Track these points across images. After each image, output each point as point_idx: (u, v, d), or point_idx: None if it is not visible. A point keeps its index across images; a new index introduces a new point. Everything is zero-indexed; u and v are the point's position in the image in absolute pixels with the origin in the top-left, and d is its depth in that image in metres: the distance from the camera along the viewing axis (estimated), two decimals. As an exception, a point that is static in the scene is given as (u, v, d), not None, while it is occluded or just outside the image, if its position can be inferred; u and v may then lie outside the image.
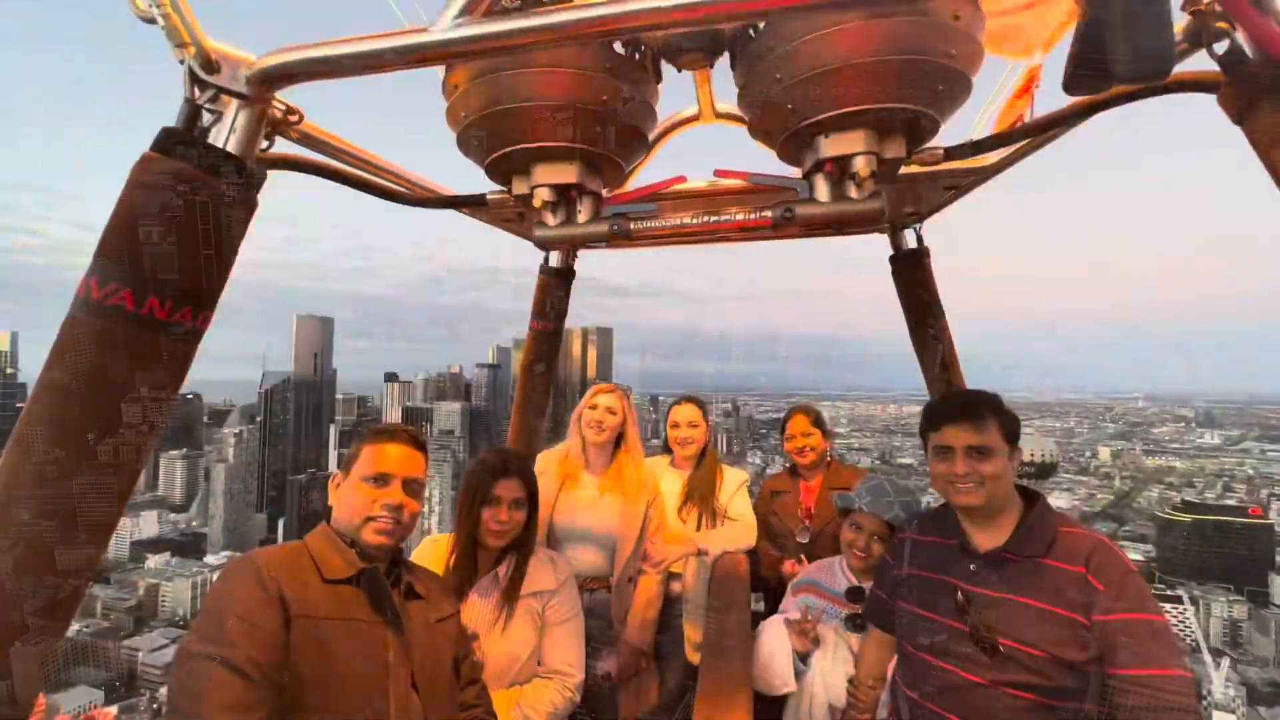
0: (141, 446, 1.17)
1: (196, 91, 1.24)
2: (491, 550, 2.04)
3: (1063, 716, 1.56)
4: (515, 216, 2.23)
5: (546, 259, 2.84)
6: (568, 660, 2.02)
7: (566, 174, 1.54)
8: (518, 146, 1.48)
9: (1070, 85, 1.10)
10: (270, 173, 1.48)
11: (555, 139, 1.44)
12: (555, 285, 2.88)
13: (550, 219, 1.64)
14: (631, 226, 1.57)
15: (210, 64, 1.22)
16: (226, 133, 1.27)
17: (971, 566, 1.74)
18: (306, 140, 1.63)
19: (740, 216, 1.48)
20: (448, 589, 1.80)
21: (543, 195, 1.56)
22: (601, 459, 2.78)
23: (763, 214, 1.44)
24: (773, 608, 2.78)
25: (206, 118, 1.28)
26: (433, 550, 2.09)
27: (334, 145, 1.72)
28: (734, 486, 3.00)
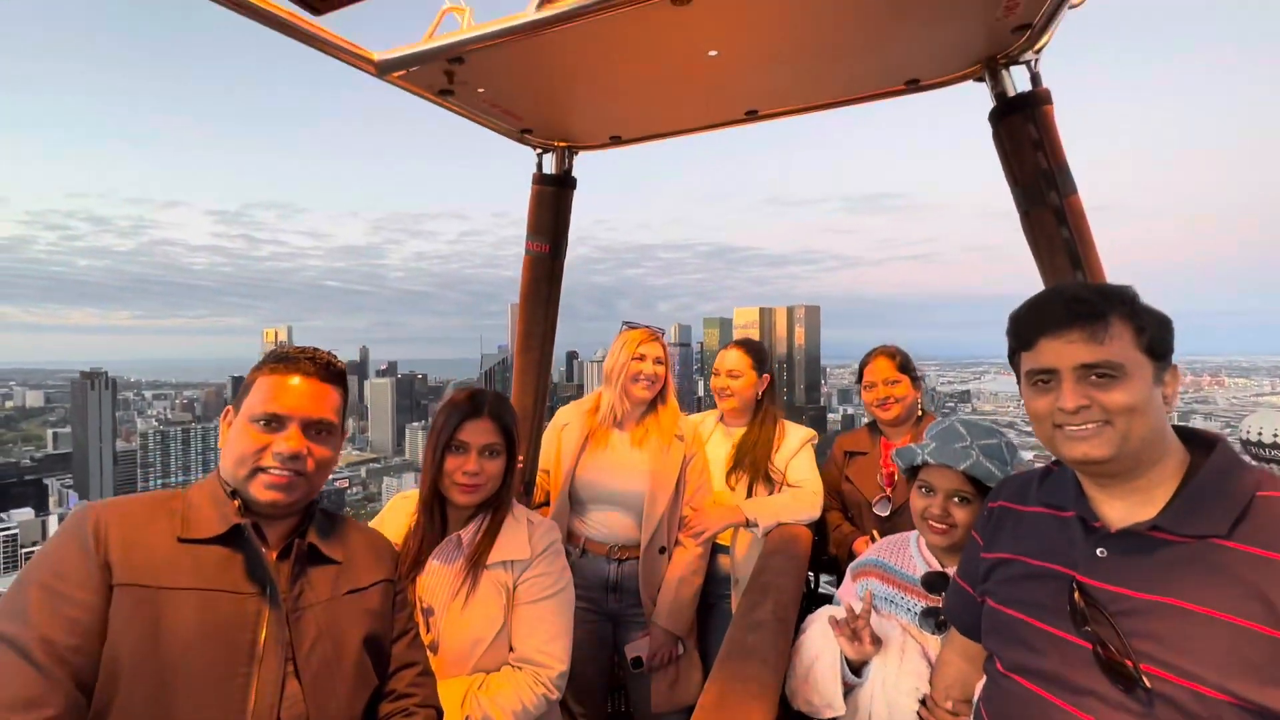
0: None
1: None
2: (462, 509, 1.64)
3: None
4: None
5: (540, 164, 2.24)
6: (543, 648, 1.55)
7: None
8: None
9: None
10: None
11: None
12: (551, 196, 2.24)
13: None
14: None
15: None
16: None
17: (1098, 551, 1.03)
18: None
19: None
20: (383, 553, 1.40)
21: None
22: (636, 413, 2.28)
23: None
24: None
25: None
26: (402, 508, 1.73)
27: None
28: (795, 445, 2.32)
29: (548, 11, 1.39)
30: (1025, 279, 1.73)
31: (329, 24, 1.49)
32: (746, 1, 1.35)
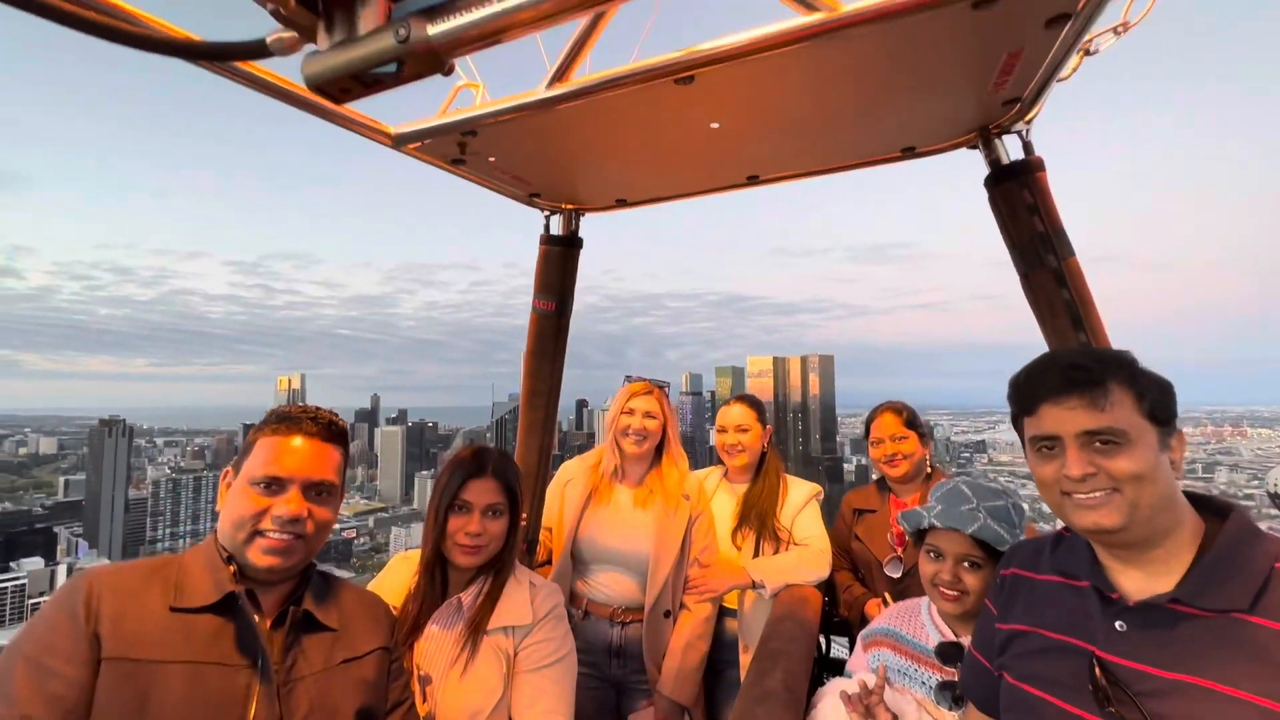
0: None
1: None
2: (463, 571, 1.61)
3: None
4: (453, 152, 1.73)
5: (548, 225, 2.30)
6: (543, 719, 1.48)
7: None
8: None
9: None
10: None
11: None
12: (558, 255, 2.30)
13: (322, 39, 0.78)
14: (431, 32, 0.73)
15: None
16: None
17: (1117, 625, 0.98)
18: None
19: None
20: (380, 619, 1.37)
21: None
22: (639, 470, 2.25)
23: None
24: None
25: None
26: (402, 570, 1.70)
27: None
28: (800, 501, 2.28)
29: (557, 90, 1.46)
30: (1035, 329, 1.73)
31: (349, 99, 1.56)
32: (747, 79, 1.41)
